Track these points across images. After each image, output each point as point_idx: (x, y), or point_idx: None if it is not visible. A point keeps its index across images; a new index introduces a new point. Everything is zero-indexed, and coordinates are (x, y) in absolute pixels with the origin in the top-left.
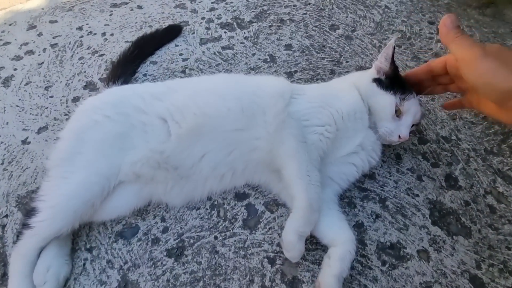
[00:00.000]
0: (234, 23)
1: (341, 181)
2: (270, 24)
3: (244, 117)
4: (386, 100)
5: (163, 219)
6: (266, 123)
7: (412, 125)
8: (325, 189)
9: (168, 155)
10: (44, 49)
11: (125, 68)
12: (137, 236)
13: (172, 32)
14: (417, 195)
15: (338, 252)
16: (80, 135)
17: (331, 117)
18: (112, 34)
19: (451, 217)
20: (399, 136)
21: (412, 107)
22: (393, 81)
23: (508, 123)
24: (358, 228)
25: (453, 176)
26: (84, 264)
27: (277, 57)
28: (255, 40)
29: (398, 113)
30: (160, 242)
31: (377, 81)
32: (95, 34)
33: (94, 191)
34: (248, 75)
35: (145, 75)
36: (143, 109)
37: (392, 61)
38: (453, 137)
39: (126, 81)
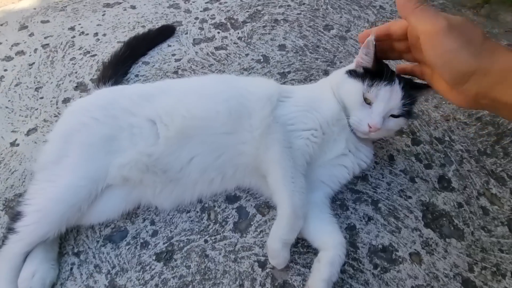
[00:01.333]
0: (228, 23)
1: (332, 183)
2: (264, 24)
3: (231, 120)
4: (351, 87)
5: (152, 222)
6: (252, 127)
7: (394, 116)
8: (316, 192)
9: (157, 158)
10: (35, 50)
11: (116, 69)
12: (125, 240)
13: (165, 33)
14: (410, 197)
15: (328, 256)
16: (68, 138)
17: (316, 121)
18: (104, 35)
19: (444, 219)
20: (369, 125)
21: (382, 93)
22: (367, 72)
23: (456, 104)
24: (350, 230)
25: (446, 177)
26: (71, 269)
27: (270, 58)
28: (249, 40)
29: (367, 101)
30: (149, 246)
31: (350, 72)
32: (87, 34)
33: (81, 195)
34: (238, 76)
35: (137, 75)
36: (131, 111)
37: (375, 59)
38: (447, 138)
39: (117, 82)
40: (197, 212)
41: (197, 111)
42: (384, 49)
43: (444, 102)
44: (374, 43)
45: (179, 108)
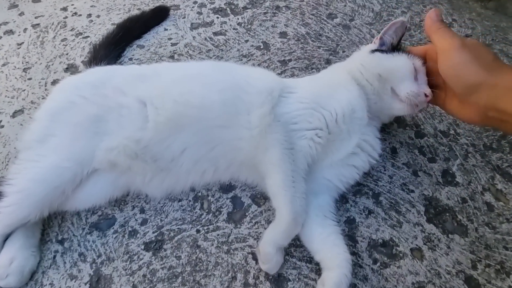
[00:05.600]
0: (228, 9)
1: (341, 184)
2: (265, 11)
3: (226, 114)
4: (401, 60)
5: (142, 211)
6: (250, 124)
7: None
8: (322, 196)
9: (146, 145)
10: (25, 29)
11: (108, 51)
12: (113, 228)
13: (159, 14)
14: (412, 191)
15: (333, 278)
16: (55, 116)
17: (323, 120)
18: (98, 16)
19: (447, 214)
20: (425, 95)
21: (419, 65)
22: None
23: (468, 121)
24: (350, 224)
25: (450, 172)
26: (55, 257)
27: (271, 45)
28: (249, 26)
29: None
30: (138, 235)
31: (379, 51)
32: (80, 15)
33: (65, 177)
34: (239, 64)
35: (131, 59)
36: (123, 90)
37: (401, 37)
38: (452, 132)
39: (109, 65)
40: (190, 201)
41: (190, 97)
42: None
43: None
44: (406, 24)
45: (172, 91)
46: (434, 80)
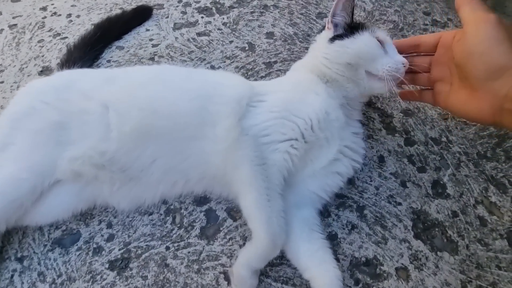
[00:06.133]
0: (213, 8)
1: (325, 193)
2: (252, 10)
3: (193, 125)
4: (364, 39)
5: (109, 225)
6: (217, 137)
7: None
8: (305, 209)
9: (111, 157)
10: (1, 30)
11: (84, 53)
12: (77, 245)
13: (141, 14)
14: (400, 204)
15: None
16: (16, 123)
17: (297, 129)
18: (78, 16)
19: (436, 229)
20: (403, 64)
21: (382, 35)
22: (351, 27)
23: (475, 118)
24: (331, 240)
25: (441, 182)
26: (12, 276)
27: (256, 46)
28: (234, 26)
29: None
30: (103, 252)
31: (337, 37)
32: (59, 15)
33: (23, 189)
34: (209, 70)
35: (109, 61)
36: (88, 94)
37: (352, 12)
38: (443, 139)
39: (83, 67)
40: (161, 214)
41: (157, 105)
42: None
43: None
44: None
45: (138, 98)
46: (437, 73)
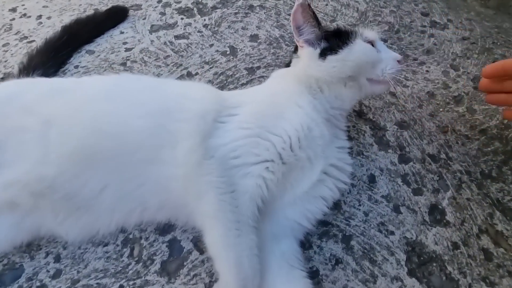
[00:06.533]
0: (195, 9)
1: (307, 222)
2: (236, 11)
3: (148, 147)
4: (360, 48)
5: (57, 258)
6: (176, 161)
7: None
8: (284, 241)
9: (51, 184)
10: None
11: (47, 58)
12: (18, 282)
13: (115, 16)
14: (392, 233)
15: None
16: None
17: (272, 149)
18: (49, 18)
19: (434, 264)
20: (398, 61)
21: (372, 34)
22: (334, 35)
23: None
24: (311, 278)
25: (440, 207)
26: None
27: (238, 50)
28: (216, 28)
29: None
30: None
31: (327, 51)
32: (29, 16)
33: None
34: (175, 80)
35: (76, 67)
36: (30, 108)
37: (317, 19)
38: (442, 156)
39: (46, 74)
40: (117, 245)
41: (102, 123)
42: (490, 90)
43: (441, 110)
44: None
45: (82, 114)
46: None
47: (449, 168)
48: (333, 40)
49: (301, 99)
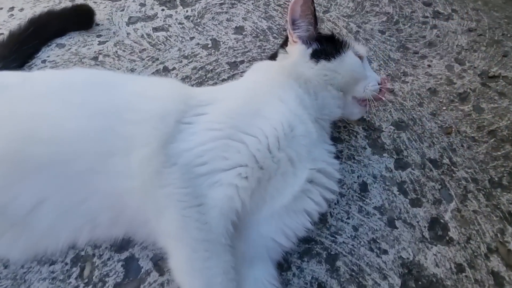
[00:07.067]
0: None
1: (286, 240)
2: (222, 1)
3: (96, 153)
4: (351, 62)
5: None
6: (131, 170)
7: None
8: (260, 263)
9: None
10: None
11: (10, 52)
12: None
13: (80, 20)
14: (385, 252)
15: None
16: None
17: (245, 151)
18: (21, 9)
19: None
20: (379, 83)
21: (362, 50)
22: (327, 40)
23: None
24: None
25: (442, 221)
26: None
27: (221, 42)
28: (198, 20)
29: None
30: None
31: (319, 54)
32: (1, 8)
33: None
34: (136, 76)
35: (44, 61)
36: None
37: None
38: (445, 161)
39: (7, 69)
40: (66, 264)
41: (34, 126)
42: None
43: (445, 108)
44: None
45: (15, 114)
46: None
47: (453, 175)
48: (325, 45)
49: (285, 92)
